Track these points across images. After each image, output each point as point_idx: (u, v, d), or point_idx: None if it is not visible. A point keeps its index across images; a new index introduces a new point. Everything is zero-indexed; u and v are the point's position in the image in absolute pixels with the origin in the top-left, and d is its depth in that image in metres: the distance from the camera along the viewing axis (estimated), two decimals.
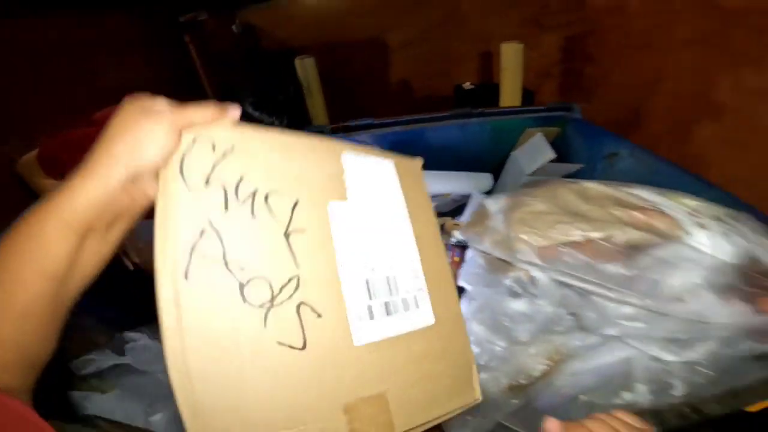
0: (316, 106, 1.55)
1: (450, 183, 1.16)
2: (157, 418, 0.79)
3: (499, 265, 0.67)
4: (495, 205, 0.76)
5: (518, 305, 0.63)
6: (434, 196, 1.17)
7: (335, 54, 1.70)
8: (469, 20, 1.76)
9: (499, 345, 0.63)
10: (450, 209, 1.23)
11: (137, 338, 0.92)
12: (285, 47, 1.60)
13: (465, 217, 1.13)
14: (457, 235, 1.04)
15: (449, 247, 1.08)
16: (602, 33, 1.50)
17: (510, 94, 1.32)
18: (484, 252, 0.70)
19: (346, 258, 0.40)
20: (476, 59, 1.86)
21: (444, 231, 1.10)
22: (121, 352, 0.89)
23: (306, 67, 1.58)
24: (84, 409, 0.79)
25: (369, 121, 1.28)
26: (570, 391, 0.60)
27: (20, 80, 0.95)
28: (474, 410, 0.64)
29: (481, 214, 0.77)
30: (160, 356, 0.32)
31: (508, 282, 0.65)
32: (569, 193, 0.68)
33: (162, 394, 0.78)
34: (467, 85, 1.74)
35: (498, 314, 0.64)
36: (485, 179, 1.20)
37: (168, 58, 1.54)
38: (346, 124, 1.28)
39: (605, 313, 0.57)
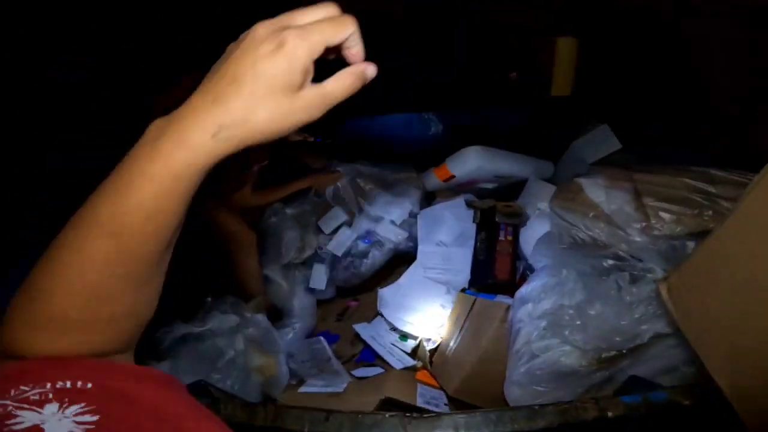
0: None
1: (515, 165, 1.19)
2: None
3: (592, 243, 0.70)
4: (592, 182, 0.76)
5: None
6: (498, 176, 1.22)
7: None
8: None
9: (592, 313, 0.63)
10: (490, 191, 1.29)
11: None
12: None
13: (522, 200, 1.17)
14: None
15: (502, 226, 1.12)
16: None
17: (562, 87, 1.34)
18: (577, 227, 0.73)
19: None
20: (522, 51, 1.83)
21: (497, 211, 1.17)
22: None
23: None
24: None
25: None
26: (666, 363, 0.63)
27: None
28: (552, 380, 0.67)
29: (573, 190, 0.79)
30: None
31: (607, 262, 0.67)
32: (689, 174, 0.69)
33: (219, 364, 0.78)
34: (513, 76, 1.78)
35: (592, 293, 0.65)
36: (547, 166, 1.25)
37: None
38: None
39: None
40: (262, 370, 0.85)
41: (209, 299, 0.95)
